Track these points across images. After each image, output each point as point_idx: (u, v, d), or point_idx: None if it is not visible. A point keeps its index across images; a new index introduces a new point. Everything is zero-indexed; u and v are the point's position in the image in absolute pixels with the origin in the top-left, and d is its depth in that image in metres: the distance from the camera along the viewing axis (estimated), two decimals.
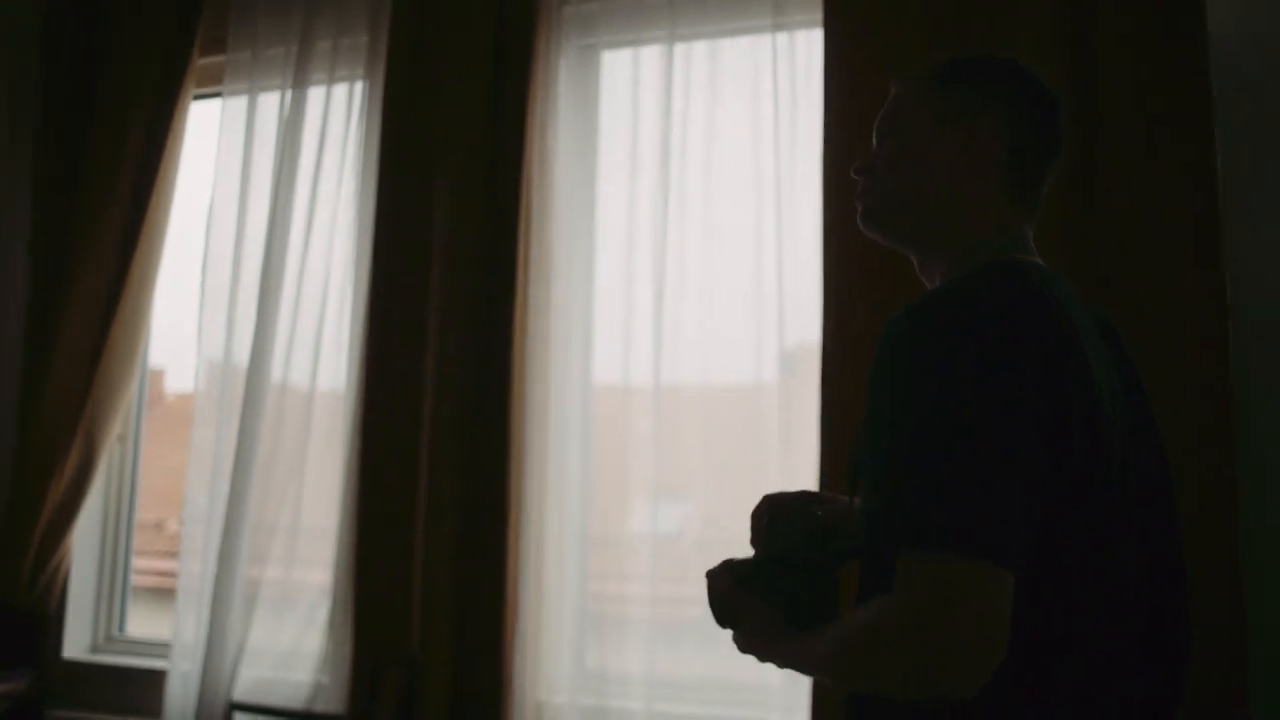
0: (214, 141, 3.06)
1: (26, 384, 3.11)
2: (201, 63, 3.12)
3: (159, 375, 3.95)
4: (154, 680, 2.95)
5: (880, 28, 2.36)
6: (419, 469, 2.62)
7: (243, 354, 2.87)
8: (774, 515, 1.39)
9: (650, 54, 2.71)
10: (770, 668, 2.37)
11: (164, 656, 3.00)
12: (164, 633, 3.21)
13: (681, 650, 2.55)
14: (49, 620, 3.09)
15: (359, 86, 2.93)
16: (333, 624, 2.71)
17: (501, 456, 2.53)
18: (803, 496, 1.42)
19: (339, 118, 2.92)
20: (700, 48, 2.66)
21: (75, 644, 3.18)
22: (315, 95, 2.95)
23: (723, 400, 2.60)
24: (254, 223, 2.93)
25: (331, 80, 2.95)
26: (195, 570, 2.86)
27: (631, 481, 2.57)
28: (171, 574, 3.53)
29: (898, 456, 1.04)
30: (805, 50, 2.53)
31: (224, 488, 2.82)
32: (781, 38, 2.54)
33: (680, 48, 2.64)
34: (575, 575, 2.55)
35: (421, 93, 2.80)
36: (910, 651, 0.98)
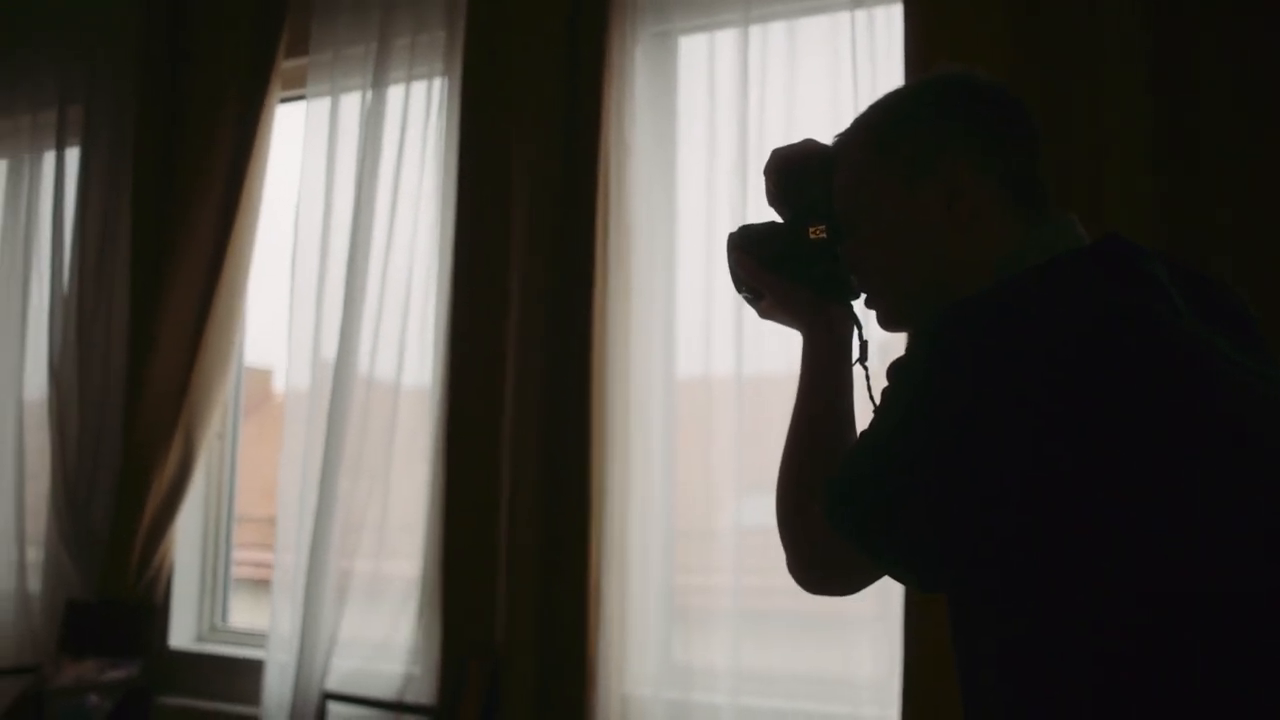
0: (299, 143, 3.12)
1: (130, 386, 3.22)
2: (285, 66, 3.18)
3: (266, 375, 4.07)
4: (255, 669, 3.03)
5: (962, 2, 2.28)
6: (502, 462, 2.63)
7: (331, 350, 2.92)
8: (791, 172, 1.26)
9: (726, 38, 2.67)
10: (859, 661, 2.37)
11: (264, 646, 3.08)
12: (266, 623, 3.30)
13: (768, 643, 2.51)
14: (155, 611, 3.20)
15: (437, 83, 2.95)
16: (421, 616, 2.75)
17: (584, 449, 2.53)
18: (819, 150, 1.27)
19: (418, 114, 2.95)
20: (777, 29, 2.60)
21: (181, 634, 3.29)
22: (395, 93, 2.98)
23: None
24: (339, 221, 2.98)
25: (410, 78, 2.98)
26: (289, 563, 2.93)
27: (716, 474, 2.54)
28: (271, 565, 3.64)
29: (869, 446, 1.02)
30: (885, 27, 2.46)
31: (315, 482, 2.87)
32: (860, 15, 2.47)
33: (756, 30, 2.59)
34: (660, 568, 2.54)
35: (498, 86, 2.81)
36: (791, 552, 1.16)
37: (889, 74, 2.43)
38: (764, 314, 1.30)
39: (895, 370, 1.02)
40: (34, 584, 3.41)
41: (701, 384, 2.55)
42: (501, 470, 2.62)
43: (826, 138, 2.41)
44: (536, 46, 2.73)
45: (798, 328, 1.25)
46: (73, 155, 3.52)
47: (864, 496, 0.99)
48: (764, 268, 1.25)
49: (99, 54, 3.47)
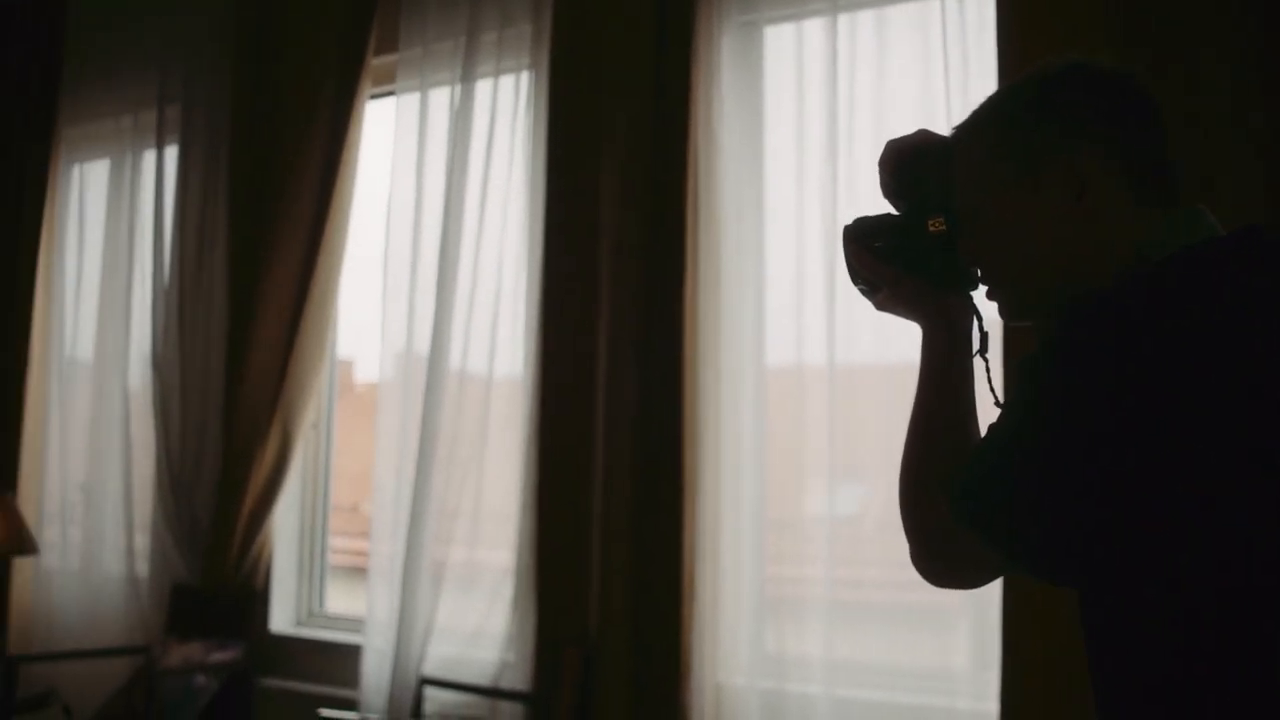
0: (389, 139, 3.17)
1: (230, 377, 3.33)
2: (375, 63, 3.24)
3: (347, 366, 4.16)
4: (351, 653, 3.11)
5: None
6: (595, 453, 2.66)
7: (423, 343, 2.98)
8: (906, 164, 1.25)
9: (814, 27, 2.65)
10: (955, 652, 2.36)
11: (360, 631, 3.17)
12: (361, 609, 3.39)
13: (862, 634, 2.51)
14: (256, 596, 3.30)
15: (525, 76, 2.98)
16: (516, 604, 2.80)
17: (676, 438, 2.55)
18: (934, 140, 1.25)
19: (506, 108, 2.98)
20: (865, 18, 2.58)
21: (281, 619, 3.39)
22: (483, 87, 3.02)
23: (899, 379, 2.53)
24: (430, 215, 3.03)
25: (498, 72, 3.01)
26: (385, 552, 2.99)
27: (808, 464, 2.54)
28: (366, 553, 3.72)
29: (995, 441, 1.04)
30: (976, 15, 2.42)
31: (410, 473, 2.94)
32: (951, 3, 2.44)
33: (844, 19, 2.57)
34: (751, 557, 2.55)
35: (585, 78, 2.83)
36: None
37: (981, 60, 2.39)
38: (880, 306, 1.30)
39: (1022, 366, 1.03)
40: (141, 569, 3.54)
41: (793, 373, 2.55)
42: (594, 461, 2.65)
43: (918, 126, 2.39)
44: (623, 38, 2.75)
45: (916, 320, 1.25)
46: (171, 154, 3.63)
47: (990, 492, 1.01)
48: (881, 260, 1.25)
49: (195, 56, 3.56)
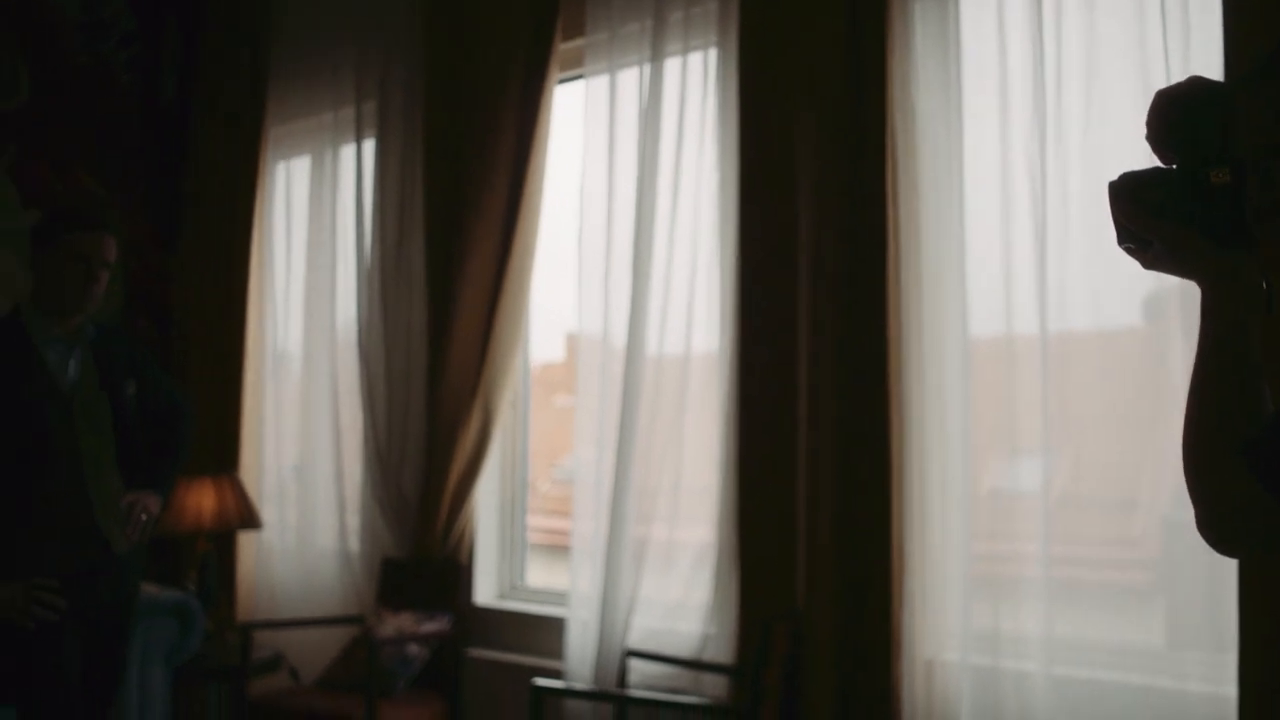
0: (578, 124, 3.23)
1: (432, 360, 3.46)
2: (563, 48, 3.30)
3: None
4: (551, 625, 3.21)
5: None
6: (797, 426, 2.65)
7: (620, 322, 3.03)
8: (1181, 113, 1.17)
9: None
10: (1188, 632, 2.25)
11: (557, 604, 3.26)
12: (552, 582, 3.49)
13: (1079, 611, 2.42)
14: (461, 570, 3.43)
15: (713, 54, 2.98)
16: (718, 579, 2.82)
17: (880, 411, 2.52)
18: (1210, 87, 1.18)
19: (696, 86, 2.99)
20: None
21: (485, 592, 3.52)
22: (672, 66, 3.04)
23: (1118, 346, 2.43)
24: (622, 195, 3.07)
25: (686, 50, 3.02)
26: (586, 530, 3.06)
27: (1020, 438, 2.46)
28: (547, 530, 3.82)
29: None
30: None
31: (610, 454, 2.99)
32: None
33: None
34: (960, 532, 2.49)
35: (776, 53, 2.81)
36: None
37: (1204, 13, 2.26)
38: (1149, 265, 1.24)
39: None
40: (353, 544, 3.74)
41: (1002, 343, 2.47)
42: (798, 435, 2.65)
43: (1136, 89, 2.26)
44: (812, 9, 2.71)
45: (1194, 278, 1.19)
46: (368, 148, 3.79)
47: None
48: (1155, 215, 1.20)
49: (390, 53, 3.71)
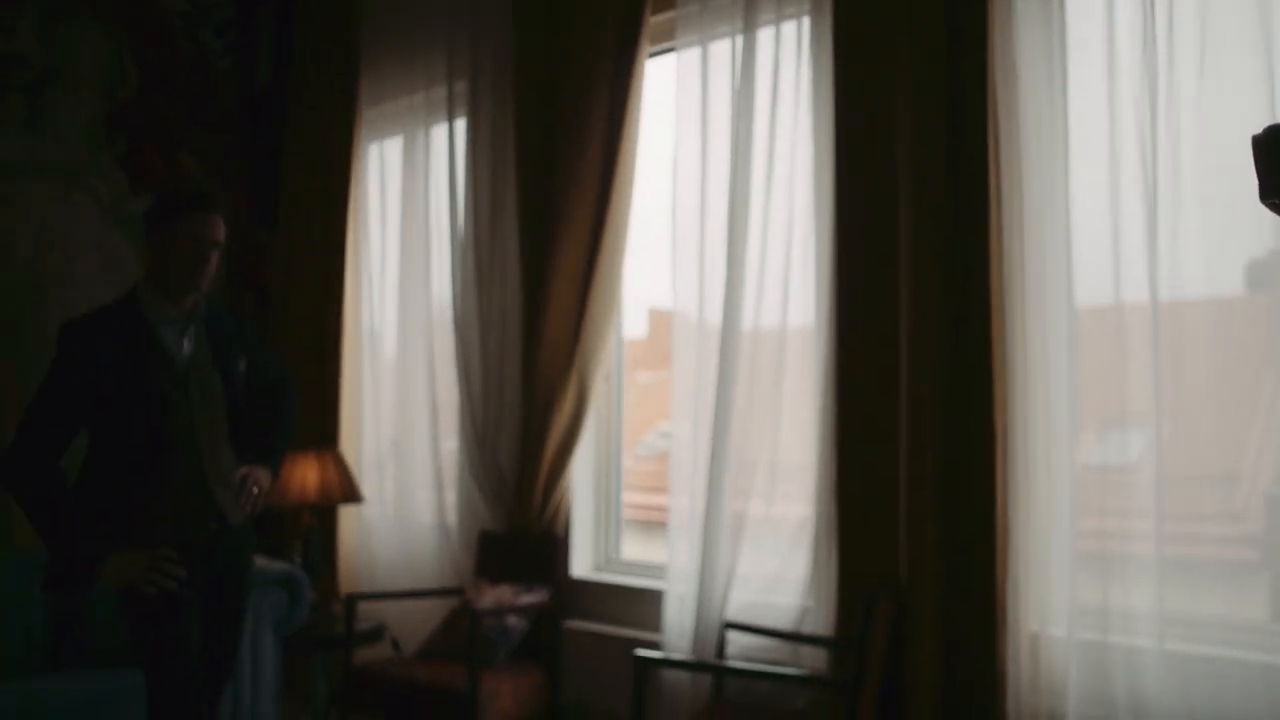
0: (669, 97, 3.22)
1: (527, 336, 3.50)
2: (653, 20, 3.29)
3: None
4: (650, 598, 3.24)
5: None
6: (896, 398, 2.63)
7: (715, 297, 3.02)
8: None
9: None
10: None
11: (652, 577, 3.28)
12: (648, 556, 3.52)
13: (1191, 588, 2.36)
14: (558, 543, 3.48)
15: (806, 22, 2.94)
16: (816, 552, 2.81)
17: (984, 382, 2.48)
18: None
19: (790, 55, 2.96)
20: None
21: (581, 564, 3.56)
22: (764, 36, 3.01)
23: (1234, 313, 2.35)
24: (716, 167, 3.06)
25: (779, 19, 2.99)
26: (683, 505, 3.08)
27: (1131, 410, 2.39)
28: (631, 505, 3.83)
29: None
30: None
31: (705, 429, 2.99)
32: None
33: None
34: (1067, 507, 2.44)
35: (872, 20, 2.77)
36: None
37: None
38: None
39: None
40: (450, 518, 3.80)
41: (1111, 312, 2.41)
42: (899, 409, 2.62)
43: (1254, 49, 2.17)
44: None
45: None
46: (460, 126, 3.82)
47: None
48: None
49: (480, 32, 3.73)
